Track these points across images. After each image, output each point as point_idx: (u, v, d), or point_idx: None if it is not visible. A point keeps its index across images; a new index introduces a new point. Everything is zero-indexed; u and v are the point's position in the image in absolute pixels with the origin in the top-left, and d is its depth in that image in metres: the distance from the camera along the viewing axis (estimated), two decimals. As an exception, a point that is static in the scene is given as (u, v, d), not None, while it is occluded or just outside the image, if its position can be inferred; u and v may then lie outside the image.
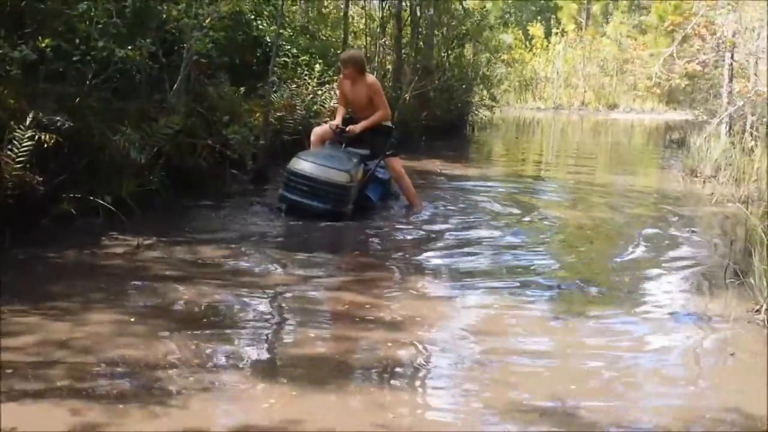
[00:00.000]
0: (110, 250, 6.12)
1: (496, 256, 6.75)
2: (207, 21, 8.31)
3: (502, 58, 25.96)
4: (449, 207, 8.93)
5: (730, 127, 13.73)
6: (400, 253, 6.75)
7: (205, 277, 5.55)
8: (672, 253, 7.03)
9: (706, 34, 14.74)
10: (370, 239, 7.34)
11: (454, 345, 4.53)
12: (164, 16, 8.43)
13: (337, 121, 8.24)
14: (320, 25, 16.31)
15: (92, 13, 7.17)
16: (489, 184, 11.18)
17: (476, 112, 21.56)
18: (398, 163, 8.36)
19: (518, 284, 5.80)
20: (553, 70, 38.44)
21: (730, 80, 14.18)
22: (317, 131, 8.36)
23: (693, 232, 7.95)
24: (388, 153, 8.20)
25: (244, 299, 5.13)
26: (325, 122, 9.00)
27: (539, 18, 44.23)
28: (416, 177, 10.81)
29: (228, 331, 4.60)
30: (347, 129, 8.02)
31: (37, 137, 5.93)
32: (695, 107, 19.39)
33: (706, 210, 9.48)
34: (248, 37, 11.87)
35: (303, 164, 7.55)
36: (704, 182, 11.77)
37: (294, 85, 12.02)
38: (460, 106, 19.99)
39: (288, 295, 5.36)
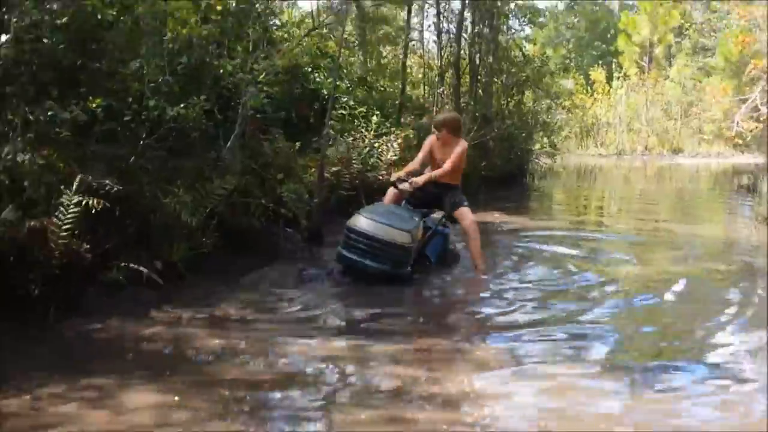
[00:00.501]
0: (156, 323, 5.91)
1: (566, 329, 6.21)
2: (262, 76, 8.16)
3: (563, 104, 25.63)
4: (512, 271, 8.50)
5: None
6: (460, 322, 6.46)
7: (252, 352, 5.32)
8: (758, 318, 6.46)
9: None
10: (428, 305, 7.07)
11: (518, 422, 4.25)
12: (221, 71, 8.32)
13: (401, 173, 7.99)
14: (378, 76, 16.12)
15: (144, 72, 7.02)
16: (553, 239, 10.74)
17: (536, 161, 21.24)
18: (471, 215, 7.94)
19: (591, 364, 5.35)
20: (615, 115, 38.00)
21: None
22: (391, 193, 8.06)
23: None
24: (458, 204, 7.90)
25: (295, 377, 4.90)
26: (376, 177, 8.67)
27: (600, 62, 43.82)
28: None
29: (276, 412, 4.39)
30: (410, 181, 7.72)
31: (84, 203, 5.75)
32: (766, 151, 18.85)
33: None
34: (305, 91, 11.81)
35: (362, 221, 7.25)
36: None
37: (351, 138, 11.87)
38: (520, 154, 19.71)
39: (337, 372, 5.07)
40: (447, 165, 7.72)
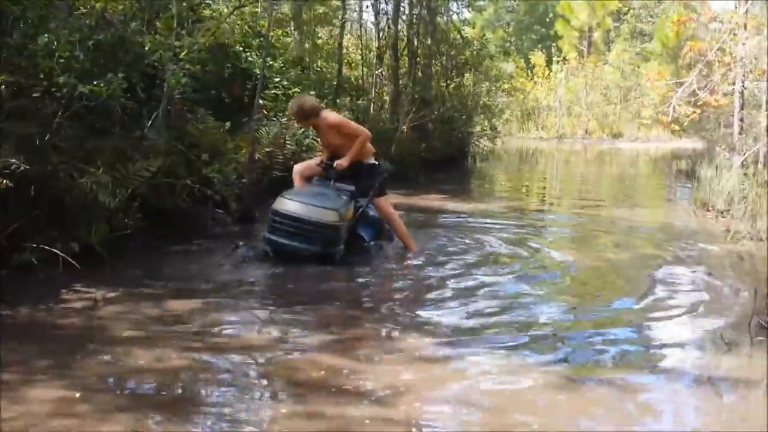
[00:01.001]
0: (69, 306, 5.50)
1: (498, 307, 6.04)
2: (183, 53, 7.78)
3: (503, 87, 25.52)
4: (447, 249, 8.21)
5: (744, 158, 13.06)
6: (390, 305, 6.08)
7: (169, 338, 4.94)
8: (688, 300, 6.30)
9: (716, 61, 14.24)
10: (359, 288, 6.71)
11: (448, 421, 3.95)
12: (146, 48, 7.90)
13: (323, 156, 7.72)
14: (314, 56, 15.77)
15: (55, 47, 6.57)
16: (490, 221, 10.48)
17: (477, 143, 21.08)
18: (387, 203, 7.74)
19: (523, 342, 5.13)
20: (555, 99, 38.07)
21: (741, 108, 13.62)
22: (299, 168, 7.74)
23: (710, 275, 7.24)
24: (377, 188, 7.61)
25: (210, 367, 4.53)
26: (310, 158, 8.37)
27: (540, 46, 43.92)
28: (414, 214, 10.31)
29: (186, 407, 3.98)
30: (335, 164, 7.42)
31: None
32: (705, 136, 18.85)
33: (721, 248, 8.73)
34: (236, 70, 11.43)
35: (288, 204, 6.98)
36: (717, 217, 10.97)
37: (285, 119, 11.53)
38: (461, 137, 19.51)
39: (261, 360, 4.69)
40: (361, 136, 7.49)
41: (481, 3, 37.55)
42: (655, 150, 31.69)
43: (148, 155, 7.32)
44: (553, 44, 43.70)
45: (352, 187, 7.42)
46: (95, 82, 6.62)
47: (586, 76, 39.21)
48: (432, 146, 16.76)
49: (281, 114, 11.56)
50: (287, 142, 10.73)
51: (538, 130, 37.48)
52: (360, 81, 17.35)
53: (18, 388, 4.02)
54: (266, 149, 9.97)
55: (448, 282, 6.79)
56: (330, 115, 7.69)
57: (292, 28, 16.12)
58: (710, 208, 11.49)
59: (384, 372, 4.55)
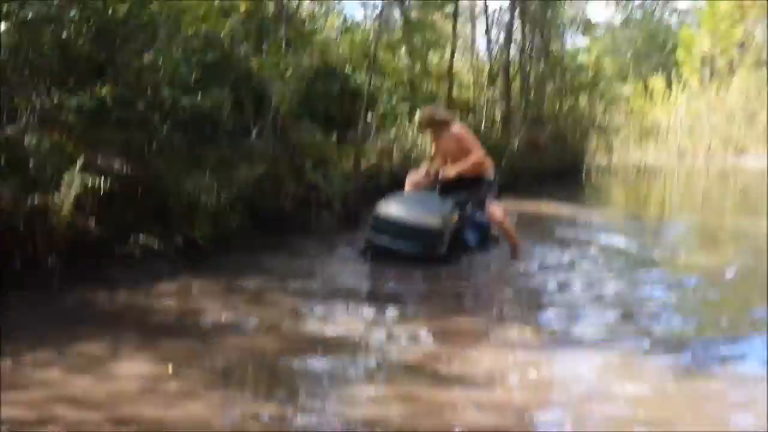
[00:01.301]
0: (164, 293, 5.55)
1: (609, 310, 5.63)
2: (288, 74, 7.90)
3: (619, 108, 24.83)
4: (558, 254, 7.87)
5: None
6: (494, 307, 5.95)
7: (260, 324, 4.95)
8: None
9: None
10: (459, 288, 6.50)
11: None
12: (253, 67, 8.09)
13: (432, 167, 7.60)
14: (424, 79, 15.72)
15: (160, 64, 6.77)
16: (604, 229, 10.06)
17: (591, 160, 20.53)
18: (499, 209, 7.38)
19: (636, 345, 4.69)
20: (676, 120, 36.72)
21: None
22: (413, 178, 7.65)
23: None
24: (486, 199, 7.37)
25: (298, 350, 4.45)
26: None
27: (659, 71, 42.60)
28: (522, 219, 10.02)
29: (270, 388, 3.94)
30: (441, 172, 7.35)
31: (85, 182, 5.46)
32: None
33: None
34: (345, 89, 11.47)
35: (392, 207, 6.96)
36: None
37: (392, 134, 11.52)
38: (574, 153, 19.02)
39: (353, 350, 4.61)
40: (474, 154, 7.22)
41: (599, 34, 36.88)
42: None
43: (253, 162, 7.37)
44: (673, 70, 42.35)
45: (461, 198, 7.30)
46: (199, 96, 6.76)
47: (709, 101, 37.76)
48: (544, 162, 16.37)
49: (389, 129, 11.55)
50: (394, 154, 10.65)
51: (657, 148, 36.15)
52: (471, 102, 17.18)
53: (105, 362, 4.04)
54: (374, 160, 9.90)
55: (559, 285, 6.48)
56: (458, 126, 7.55)
57: (404, 51, 16.06)
58: None
59: (481, 360, 4.40)
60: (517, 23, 17.77)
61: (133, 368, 3.96)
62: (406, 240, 6.77)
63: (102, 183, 5.58)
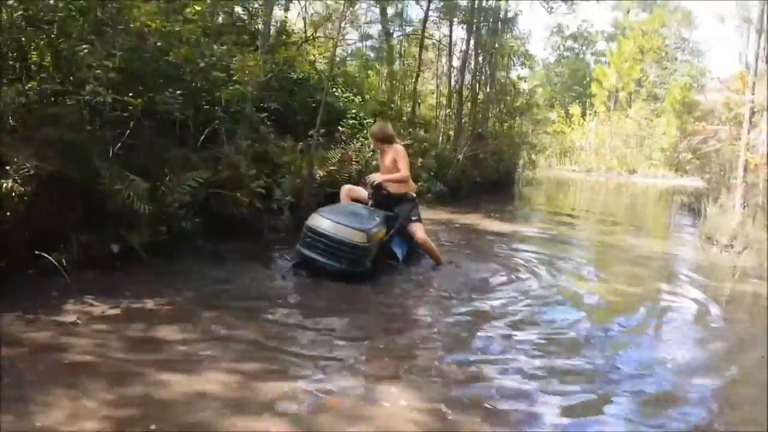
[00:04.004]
0: (64, 318, 3.75)
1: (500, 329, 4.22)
2: (238, 74, 5.95)
3: (546, 130, 23.11)
4: (478, 268, 6.24)
5: (744, 200, 10.53)
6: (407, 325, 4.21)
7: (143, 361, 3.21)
8: (711, 354, 4.22)
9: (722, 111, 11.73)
10: (382, 303, 4.80)
11: None
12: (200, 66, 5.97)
13: (370, 178, 5.97)
14: (394, 96, 13.79)
15: (91, 60, 4.82)
16: (522, 245, 8.37)
17: (521, 172, 18.83)
18: (421, 229, 5.86)
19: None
20: (587, 142, 35.40)
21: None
22: (347, 188, 6.01)
23: (725, 320, 5.11)
24: (411, 218, 5.73)
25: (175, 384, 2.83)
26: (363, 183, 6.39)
27: (577, 101, 41.20)
28: (455, 232, 8.30)
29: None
30: (369, 180, 5.89)
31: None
32: (706, 176, 16.12)
33: (732, 288, 6.44)
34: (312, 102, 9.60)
35: (321, 221, 5.20)
36: (722, 251, 8.58)
37: (359, 144, 9.67)
38: (508, 167, 17.29)
39: (224, 392, 2.92)
40: (402, 172, 5.74)
41: (537, 67, 35.19)
42: (662, 184, 28.49)
43: (198, 167, 5.53)
44: (587, 100, 40.94)
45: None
46: (129, 95, 4.83)
47: (612, 126, 36.37)
48: (483, 173, 14.62)
49: (356, 140, 9.71)
50: (354, 161, 8.79)
51: (571, 164, 34.78)
52: (432, 119, 15.34)
53: None
54: (331, 167, 8.03)
55: (469, 301, 4.86)
56: (399, 146, 6.00)
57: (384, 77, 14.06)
58: (715, 242, 9.07)
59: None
60: (472, 52, 15.88)
61: None
62: (331, 255, 5.09)
63: (13, 188, 3.79)
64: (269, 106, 7.77)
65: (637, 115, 37.70)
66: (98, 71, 4.59)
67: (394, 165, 5.75)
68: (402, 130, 11.84)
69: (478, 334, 4.20)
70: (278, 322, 4.09)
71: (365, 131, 10.11)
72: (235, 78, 5.97)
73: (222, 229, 5.93)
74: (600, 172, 33.50)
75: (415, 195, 5.98)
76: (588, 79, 44.66)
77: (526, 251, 7.44)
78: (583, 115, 38.07)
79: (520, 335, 4.20)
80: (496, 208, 12.09)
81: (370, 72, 15.15)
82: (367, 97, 12.47)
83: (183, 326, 3.77)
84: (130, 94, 4.89)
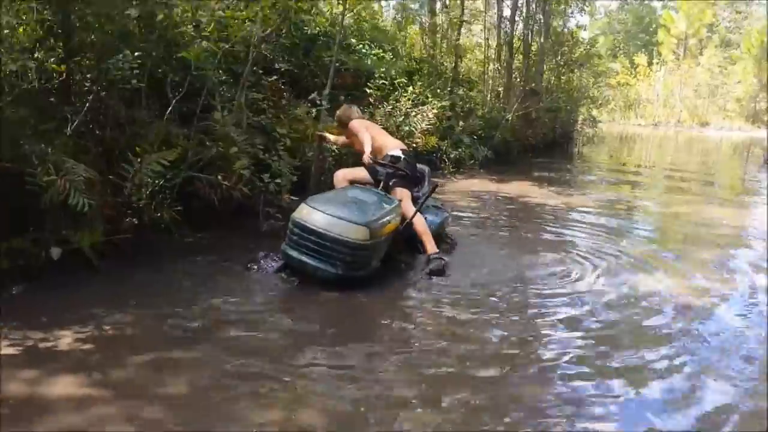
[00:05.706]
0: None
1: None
2: (209, 28, 4.80)
3: (608, 82, 21.24)
4: (520, 257, 5.06)
5: None
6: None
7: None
8: None
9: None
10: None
11: None
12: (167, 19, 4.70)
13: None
14: (435, 52, 12.32)
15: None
16: (582, 214, 7.11)
17: (580, 130, 17.20)
18: (420, 218, 4.59)
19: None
20: (654, 93, 33.10)
21: None
22: (340, 174, 4.94)
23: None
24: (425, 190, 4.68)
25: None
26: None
27: (643, 50, 38.56)
28: (496, 205, 7.09)
29: None
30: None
31: None
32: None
33: None
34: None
35: (310, 214, 3.98)
36: None
37: (389, 107, 8.47)
38: (565, 124, 15.72)
39: None
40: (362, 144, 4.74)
41: (599, 16, 32.98)
42: (737, 137, 26.23)
43: (173, 145, 4.49)
44: (654, 49, 38.27)
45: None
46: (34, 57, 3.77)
47: (681, 75, 33.87)
48: (537, 133, 13.17)
49: (387, 103, 8.51)
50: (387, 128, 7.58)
51: (637, 119, 32.58)
52: (479, 75, 13.90)
53: None
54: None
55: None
56: (355, 122, 5.01)
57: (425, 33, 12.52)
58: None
59: None
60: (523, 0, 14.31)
61: None
62: (323, 258, 3.89)
63: None
64: (279, 67, 6.69)
65: (709, 63, 35.10)
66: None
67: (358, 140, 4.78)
68: (439, 90, 10.56)
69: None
70: (238, 375, 2.98)
71: (397, 93, 8.91)
72: (204, 33, 4.81)
73: (211, 217, 4.92)
74: (669, 125, 31.32)
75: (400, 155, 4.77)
76: (654, 25, 41.95)
77: (581, 233, 6.17)
78: (650, 64, 35.69)
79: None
80: (549, 174, 10.68)
81: (411, 26, 13.77)
82: (402, 53, 11.16)
83: (86, 377, 2.74)
84: (60, 57, 3.82)
